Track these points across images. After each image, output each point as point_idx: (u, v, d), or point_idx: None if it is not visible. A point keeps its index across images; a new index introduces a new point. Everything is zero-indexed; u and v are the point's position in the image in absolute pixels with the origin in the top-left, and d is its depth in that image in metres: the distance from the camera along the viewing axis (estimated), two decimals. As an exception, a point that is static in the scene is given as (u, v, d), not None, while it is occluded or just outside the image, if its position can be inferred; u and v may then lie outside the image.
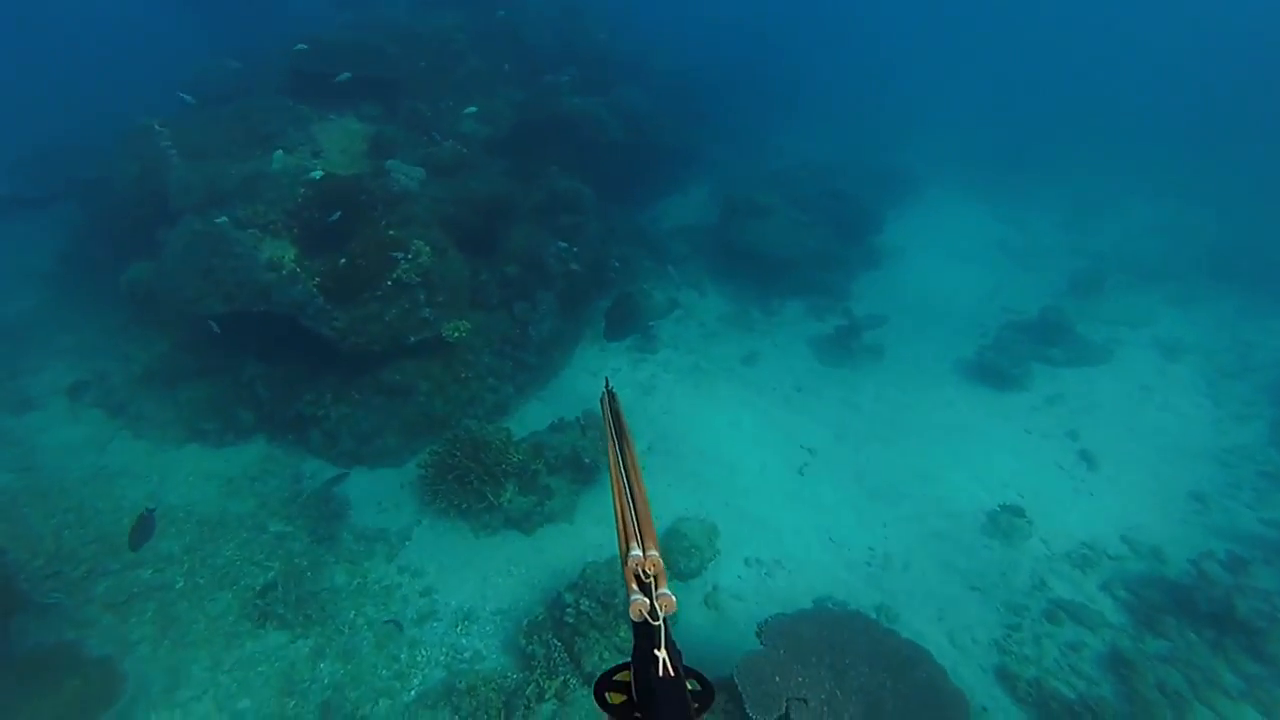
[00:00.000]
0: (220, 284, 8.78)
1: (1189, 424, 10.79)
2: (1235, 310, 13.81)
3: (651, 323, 12.84)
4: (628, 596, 1.83)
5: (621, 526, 2.11)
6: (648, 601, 1.79)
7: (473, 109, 12.07)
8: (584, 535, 8.89)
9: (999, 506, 9.04)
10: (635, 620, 1.77)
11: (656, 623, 1.73)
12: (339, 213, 9.06)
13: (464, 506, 8.76)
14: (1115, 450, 10.13)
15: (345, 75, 10.99)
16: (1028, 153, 23.11)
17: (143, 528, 7.19)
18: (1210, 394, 11.42)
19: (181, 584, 7.62)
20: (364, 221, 9.35)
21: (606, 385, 3.46)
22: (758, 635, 6.40)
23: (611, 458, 2.62)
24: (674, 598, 1.82)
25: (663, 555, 2.01)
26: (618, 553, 2.09)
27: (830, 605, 7.74)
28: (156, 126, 9.81)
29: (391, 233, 9.39)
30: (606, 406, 3.13)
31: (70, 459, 9.37)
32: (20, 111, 18.10)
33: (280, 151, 9.72)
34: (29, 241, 14.17)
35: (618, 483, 2.38)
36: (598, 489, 9.50)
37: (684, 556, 8.31)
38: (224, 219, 8.73)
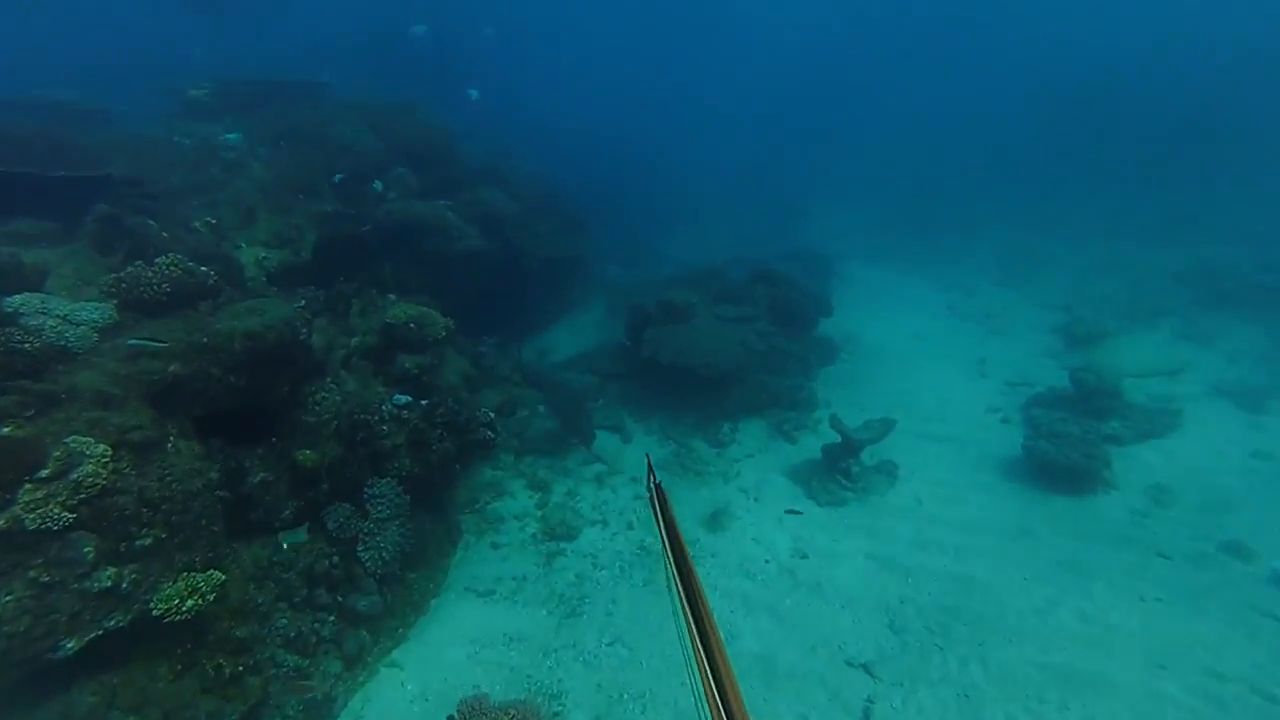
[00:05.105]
0: None
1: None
2: (1269, 340, 11.39)
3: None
4: None
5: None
6: None
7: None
8: None
9: (1246, 731, 4.98)
10: None
11: None
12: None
13: None
14: (1313, 565, 6.55)
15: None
16: (924, 216, 21.92)
17: None
18: (1348, 449, 8.38)
19: None
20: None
21: (651, 480, 2.29)
22: None
23: (684, 605, 1.62)
24: None
25: None
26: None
27: None
28: None
29: (5, 432, 4.63)
30: (659, 515, 2.07)
31: None
32: None
33: None
34: None
35: (698, 652, 1.49)
36: None
37: None
38: None
